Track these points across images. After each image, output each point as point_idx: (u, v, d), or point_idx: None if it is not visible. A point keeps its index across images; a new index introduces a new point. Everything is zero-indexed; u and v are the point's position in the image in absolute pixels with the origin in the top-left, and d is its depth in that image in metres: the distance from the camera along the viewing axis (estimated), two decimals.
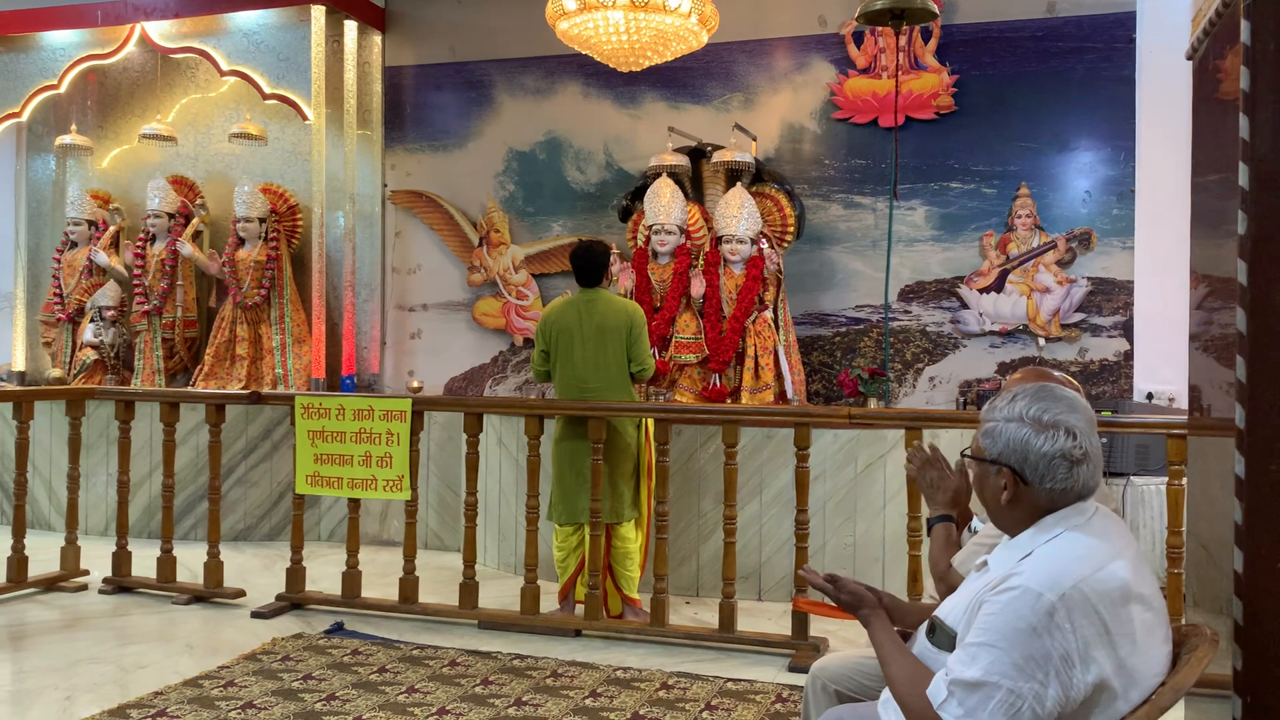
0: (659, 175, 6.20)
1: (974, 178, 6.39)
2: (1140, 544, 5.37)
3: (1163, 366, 6.02)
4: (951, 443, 5.28)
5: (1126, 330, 6.13)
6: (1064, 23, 6.22)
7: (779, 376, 6.00)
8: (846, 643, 4.45)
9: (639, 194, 6.42)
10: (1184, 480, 3.89)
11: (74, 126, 7.83)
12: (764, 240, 6.09)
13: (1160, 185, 6.00)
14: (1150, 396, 5.94)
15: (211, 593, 5.23)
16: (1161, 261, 6.00)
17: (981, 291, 6.36)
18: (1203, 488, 2.58)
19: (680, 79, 6.83)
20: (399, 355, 7.60)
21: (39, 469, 7.03)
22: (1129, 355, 6.12)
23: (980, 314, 6.36)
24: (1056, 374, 2.58)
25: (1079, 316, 6.19)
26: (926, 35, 6.41)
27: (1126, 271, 6.12)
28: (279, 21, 7.10)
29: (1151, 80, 6.02)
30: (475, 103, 7.37)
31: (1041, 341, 6.26)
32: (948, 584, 2.44)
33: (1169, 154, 5.94)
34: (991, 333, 6.35)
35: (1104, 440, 5.57)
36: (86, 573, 5.54)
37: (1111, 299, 6.16)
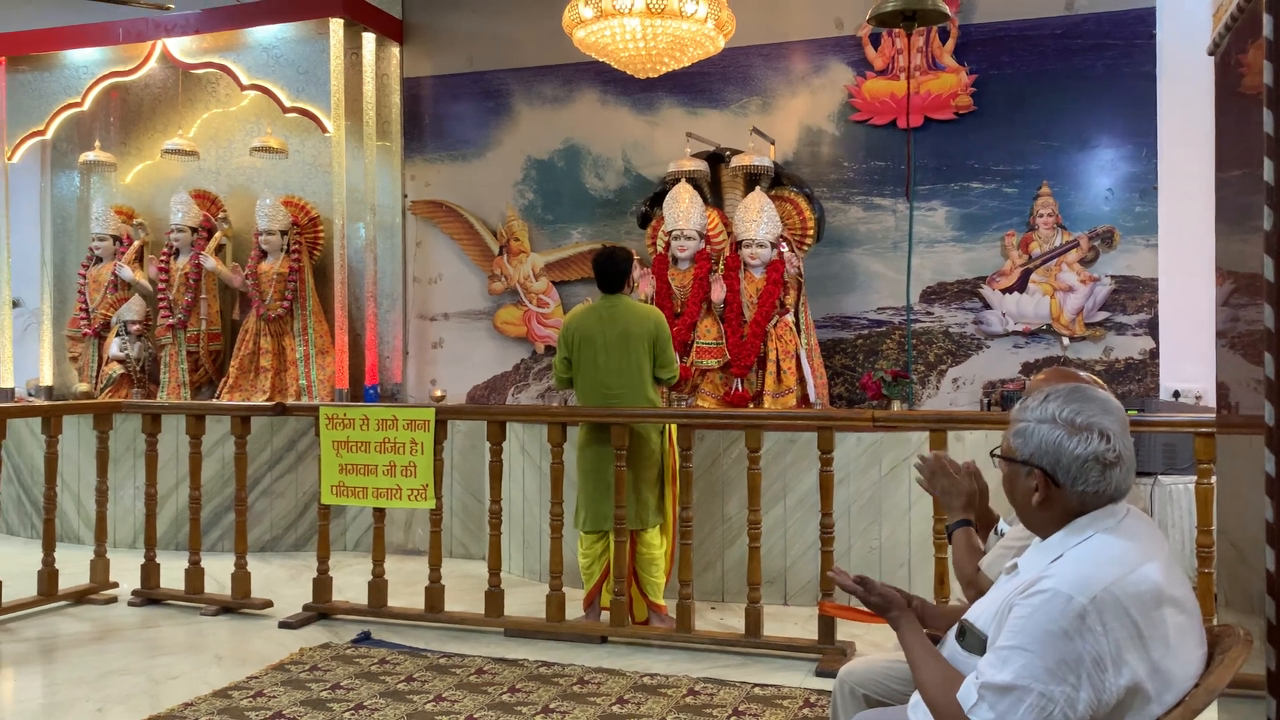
0: (678, 181, 6.20)
1: (994, 177, 6.36)
2: (1170, 544, 5.34)
3: (1189, 364, 5.96)
4: (976, 443, 5.26)
5: (1151, 328, 6.08)
6: (1083, 20, 6.18)
7: (801, 380, 5.99)
8: (873, 646, 4.42)
9: (658, 200, 6.43)
10: (1213, 479, 3.86)
11: (98, 143, 7.91)
12: (784, 244, 6.08)
13: (1183, 182, 5.95)
14: (1177, 395, 5.89)
15: (239, 603, 5.27)
16: (1186, 258, 5.95)
17: (1004, 291, 6.33)
18: (1232, 486, 2.55)
19: (697, 84, 6.83)
20: (421, 364, 7.64)
21: (68, 483, 7.09)
22: (1154, 353, 6.07)
23: (1003, 314, 6.33)
24: (1082, 374, 2.56)
25: (1103, 315, 6.15)
26: (944, 35, 6.39)
27: (1150, 269, 6.08)
28: (298, 35, 7.15)
29: (1172, 76, 5.98)
30: (493, 112, 7.40)
31: (1065, 341, 6.22)
32: (976, 588, 2.42)
33: (1191, 150, 5.89)
34: (1015, 333, 6.31)
35: (1131, 440, 5.53)
36: (116, 585, 5.59)
37: (1136, 297, 6.11)
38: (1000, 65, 6.33)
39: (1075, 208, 6.22)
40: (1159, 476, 5.44)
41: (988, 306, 6.36)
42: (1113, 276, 6.14)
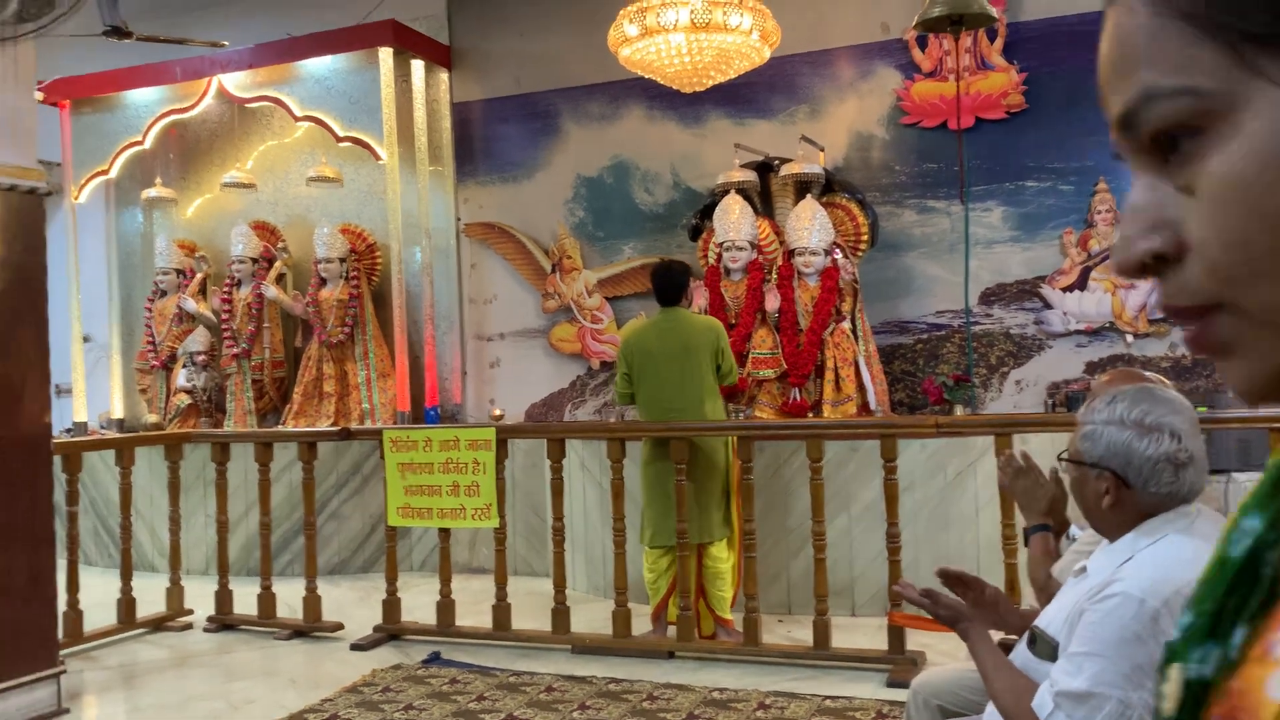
0: (727, 192, 6.20)
1: (1050, 175, 6.27)
2: None
3: None
4: (1041, 447, 5.16)
5: None
6: None
7: (861, 388, 5.95)
8: (945, 655, 4.37)
9: (708, 212, 6.43)
10: None
11: (159, 179, 8.12)
12: (838, 250, 6.05)
13: None
14: None
15: (311, 627, 5.35)
16: None
17: (1064, 290, 6.23)
18: None
19: (744, 95, 6.83)
20: (480, 384, 7.71)
21: (141, 513, 7.26)
22: None
23: (1064, 313, 6.23)
24: (1148, 374, 2.51)
25: None
26: (992, 35, 6.32)
27: None
28: (348, 66, 7.28)
29: None
30: (542, 132, 7.46)
31: (1129, 338, 6.10)
32: (1048, 594, 2.39)
33: None
34: (1077, 332, 6.21)
35: (1202, 438, 5.41)
36: (191, 612, 5.70)
37: None
38: (1051, 62, 6.25)
39: None
40: (1233, 474, 5.31)
41: (1048, 306, 6.27)
42: None
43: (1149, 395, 1.88)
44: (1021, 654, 2.01)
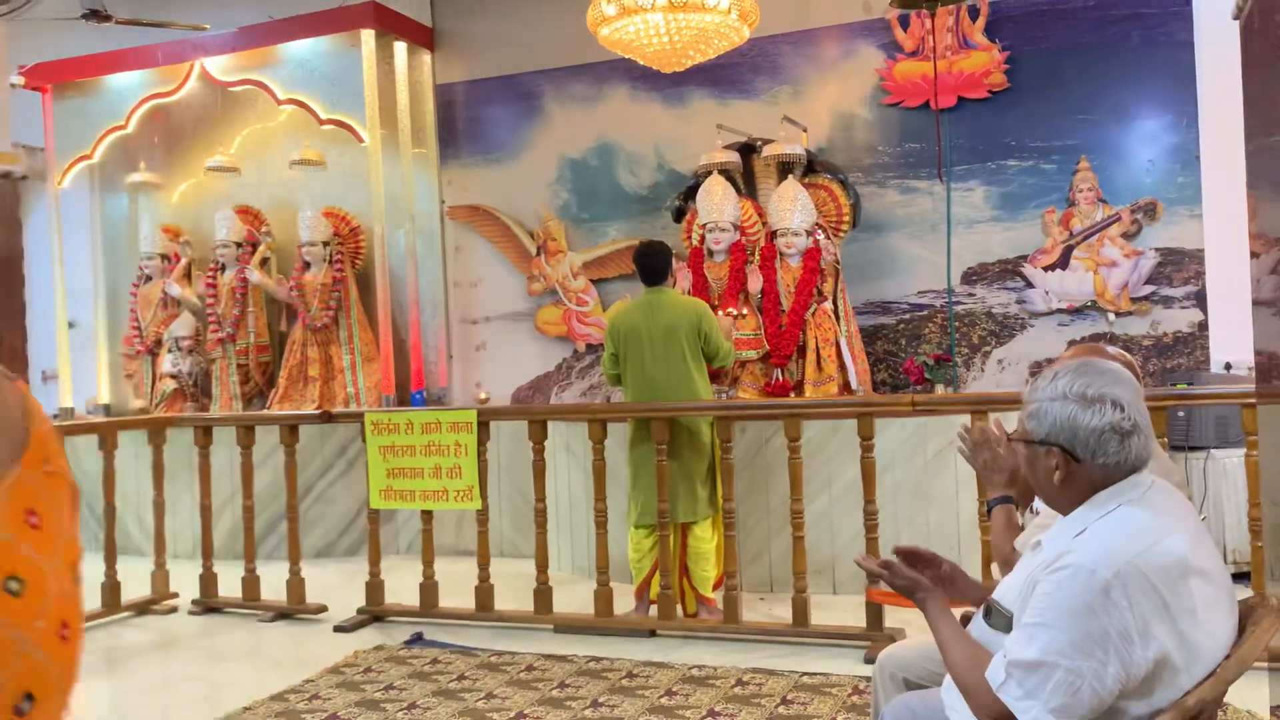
0: (710, 174, 6.20)
1: (1032, 154, 6.28)
2: (1226, 518, 5.24)
3: (1240, 335, 5.80)
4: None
5: (1200, 300, 5.97)
6: None
7: (842, 368, 5.96)
8: (923, 631, 4.39)
9: (691, 194, 6.43)
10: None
11: (143, 164, 8.09)
12: (819, 231, 6.06)
13: (1226, 150, 5.78)
14: (1229, 367, 5.77)
15: (295, 609, 5.37)
16: (1232, 227, 5.81)
17: (1046, 269, 6.25)
18: (1276, 456, 2.51)
19: (727, 76, 6.82)
20: (466, 368, 7.71)
21: (127, 498, 7.26)
22: (1204, 325, 5.96)
23: (1046, 292, 6.25)
24: (1110, 349, 2.53)
25: (1149, 289, 6.04)
26: (974, 14, 6.32)
27: (1196, 240, 5.96)
28: (330, 48, 7.25)
29: (1211, 43, 5.85)
30: (526, 114, 7.45)
31: (1111, 317, 6.12)
32: (1011, 567, 2.41)
33: (1234, 117, 5.72)
34: (1059, 310, 6.23)
35: (1181, 414, 5.44)
36: (176, 595, 5.72)
37: (1182, 269, 6.00)
38: (1033, 41, 6.24)
39: (1116, 181, 6.12)
40: (1212, 451, 5.35)
41: (1030, 285, 6.28)
42: (1157, 249, 6.04)
43: (1090, 368, 1.89)
44: (978, 626, 2.03)
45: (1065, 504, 1.93)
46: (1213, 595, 1.80)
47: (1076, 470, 1.87)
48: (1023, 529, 2.54)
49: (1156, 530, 1.79)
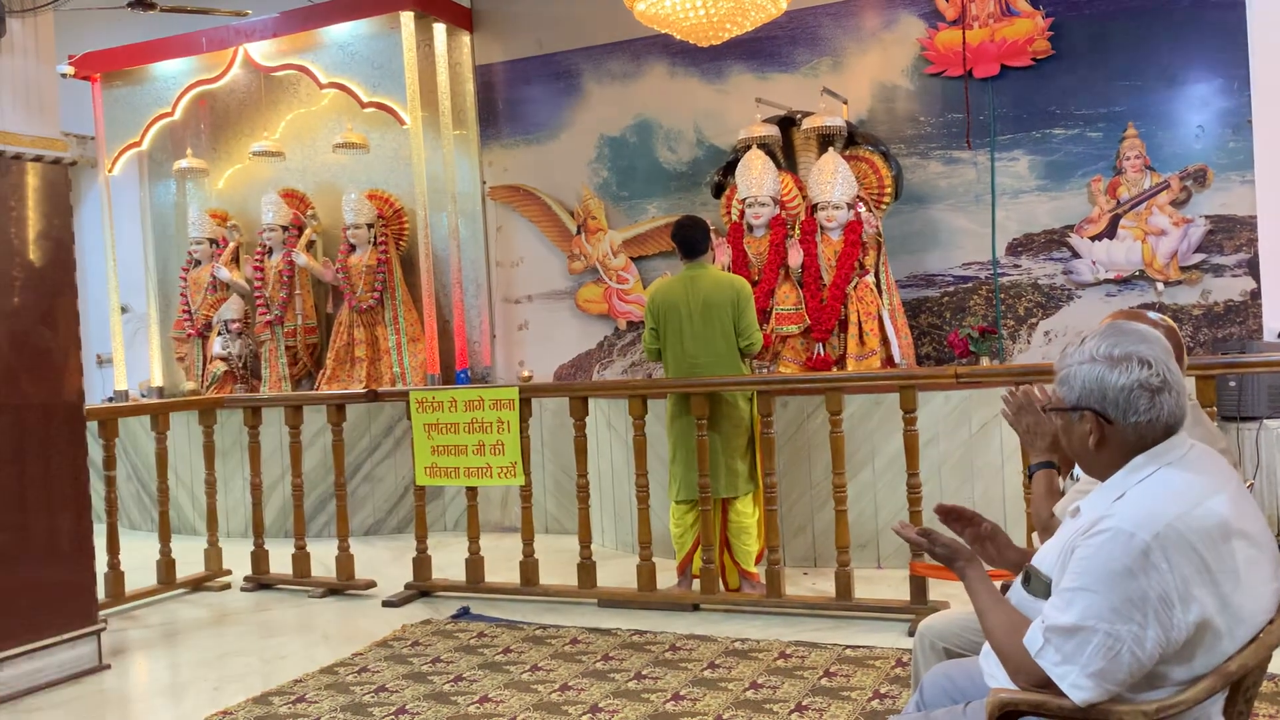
0: (749, 148, 6.17)
1: (1077, 122, 6.17)
2: (1279, 489, 5.14)
3: None
4: None
5: (1252, 268, 5.84)
6: None
7: (885, 341, 5.92)
8: (966, 603, 4.37)
9: (730, 169, 6.41)
10: None
11: (189, 150, 8.22)
12: (860, 204, 6.01)
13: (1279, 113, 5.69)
14: None
15: (344, 585, 5.46)
16: None
17: (1093, 239, 6.15)
18: None
19: (766, 49, 6.77)
20: (509, 347, 7.77)
21: (180, 477, 7.43)
22: (1256, 294, 5.84)
23: (1093, 262, 6.15)
24: (1151, 315, 2.49)
25: (1199, 257, 5.93)
26: None
27: (1248, 207, 5.83)
28: (371, 31, 7.30)
29: (1263, 3, 5.70)
30: (565, 93, 7.45)
31: (1160, 286, 6.02)
32: (1050, 532, 2.38)
33: None
34: (1107, 281, 6.13)
35: (1233, 384, 5.35)
36: (229, 572, 5.85)
37: (1233, 236, 5.88)
38: (1077, 7, 6.12)
39: (1164, 148, 6.00)
40: (1265, 421, 5.24)
41: (1077, 255, 6.19)
42: (1207, 217, 5.92)
43: (1115, 329, 1.88)
44: (1017, 592, 2.02)
45: (1103, 469, 1.91)
46: (1256, 557, 1.77)
47: (1110, 433, 1.85)
48: (1063, 494, 2.52)
49: (1197, 492, 1.77)
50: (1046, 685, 1.78)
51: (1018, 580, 2.03)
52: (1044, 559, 1.95)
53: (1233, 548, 1.74)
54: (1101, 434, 1.85)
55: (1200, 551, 1.71)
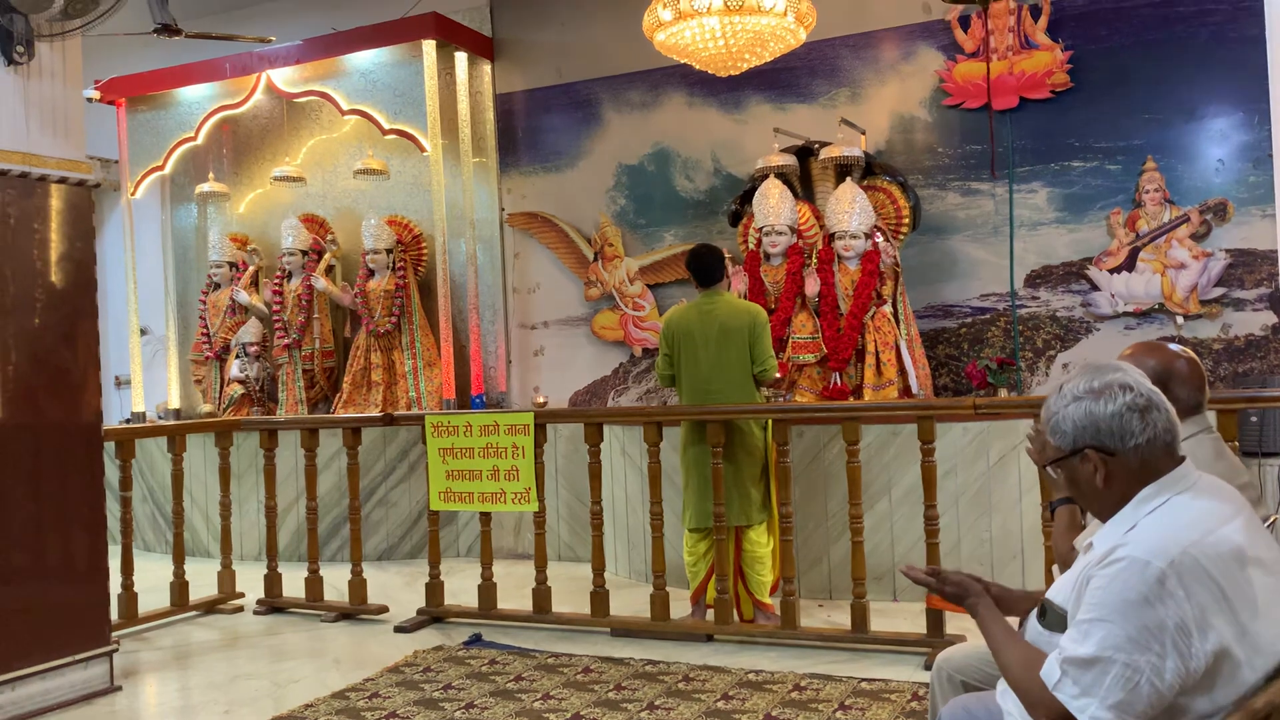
0: (766, 177, 6.18)
1: (1096, 155, 6.16)
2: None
3: None
4: None
5: (1273, 303, 5.80)
6: None
7: (902, 372, 5.90)
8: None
9: (748, 197, 6.42)
10: None
11: (211, 175, 8.29)
12: (878, 234, 6.00)
13: None
14: None
15: (356, 610, 5.45)
16: None
17: (1112, 272, 6.12)
18: None
19: (784, 79, 6.80)
20: (524, 372, 7.77)
21: (195, 499, 7.44)
22: (1277, 328, 5.79)
23: (1112, 295, 6.12)
24: (1172, 346, 2.49)
25: (1219, 291, 5.89)
26: (1036, 13, 6.22)
27: (1269, 241, 5.80)
28: (393, 59, 7.37)
29: None
30: (584, 122, 7.50)
31: (1180, 320, 5.98)
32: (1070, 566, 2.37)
33: None
34: (1126, 314, 6.10)
35: (1254, 419, 5.30)
36: (242, 595, 5.84)
37: (1254, 270, 5.84)
38: (1097, 40, 6.13)
39: (1184, 181, 5.98)
40: None
41: (1096, 288, 6.16)
42: (1227, 250, 5.89)
43: (1093, 368, 1.90)
44: (1032, 627, 1.99)
45: (1114, 507, 1.89)
46: (1273, 585, 1.75)
47: (1114, 465, 1.84)
48: (1084, 528, 2.50)
49: (1210, 519, 1.76)
50: (1065, 719, 1.75)
51: (1033, 615, 2.01)
52: (1059, 592, 1.93)
53: (1249, 575, 1.72)
54: (1107, 469, 1.85)
55: (1217, 579, 1.69)
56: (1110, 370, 1.87)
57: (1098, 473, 1.85)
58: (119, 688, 4.36)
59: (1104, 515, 1.93)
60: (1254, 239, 5.83)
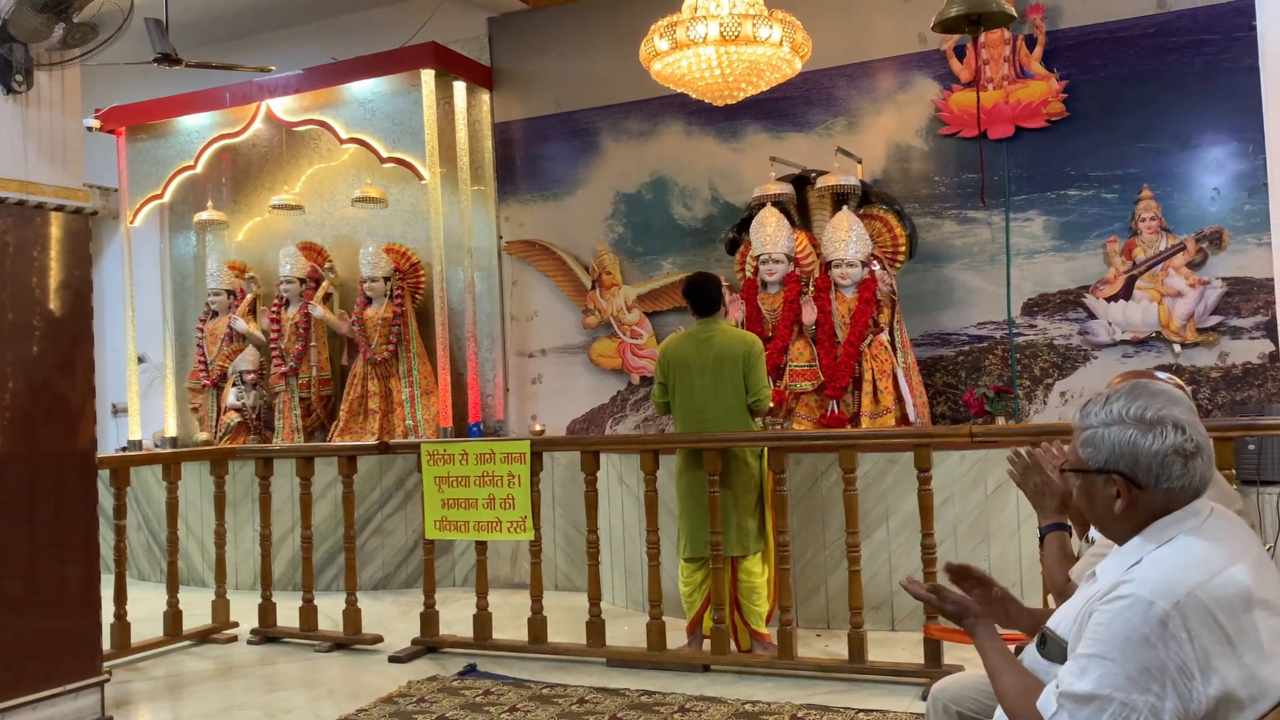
0: (763, 206, 6.20)
1: (1092, 183, 6.18)
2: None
3: None
4: None
5: (1270, 331, 5.80)
6: (1177, 17, 6.00)
7: (899, 400, 5.89)
8: (980, 667, 4.28)
9: (745, 226, 6.43)
10: None
11: (210, 203, 8.31)
12: (875, 262, 6.01)
13: None
14: None
15: (351, 639, 5.40)
16: None
17: (1109, 300, 6.13)
18: None
19: (781, 109, 6.84)
20: (522, 400, 7.76)
21: (191, 527, 7.41)
22: (1274, 356, 5.79)
23: (1109, 323, 6.12)
24: (1160, 375, 2.48)
25: (1216, 319, 5.90)
26: (1031, 43, 6.27)
27: (1265, 269, 5.81)
28: (391, 89, 7.41)
29: (1278, 67, 5.73)
30: (582, 150, 7.53)
31: (1177, 348, 5.98)
32: (1066, 598, 2.35)
33: None
34: (1123, 342, 6.10)
35: (1252, 447, 5.28)
36: (236, 624, 5.80)
37: (1250, 299, 5.85)
38: (1092, 70, 6.17)
39: (1179, 210, 6.00)
40: None
41: (1093, 316, 6.17)
42: (1224, 279, 5.90)
43: (1144, 389, 1.82)
44: (1031, 655, 1.97)
45: (1122, 533, 1.87)
46: (1278, 628, 1.72)
47: (1139, 497, 1.80)
48: (1078, 557, 2.48)
49: (1217, 560, 1.72)
50: None
51: (1032, 643, 1.99)
52: (1060, 622, 1.91)
53: (1255, 618, 1.69)
54: (1130, 498, 1.81)
55: (1221, 622, 1.66)
56: (1165, 401, 1.80)
57: (1119, 499, 1.82)
58: (110, 718, 4.31)
59: (1107, 533, 1.90)
60: (1250, 267, 5.84)
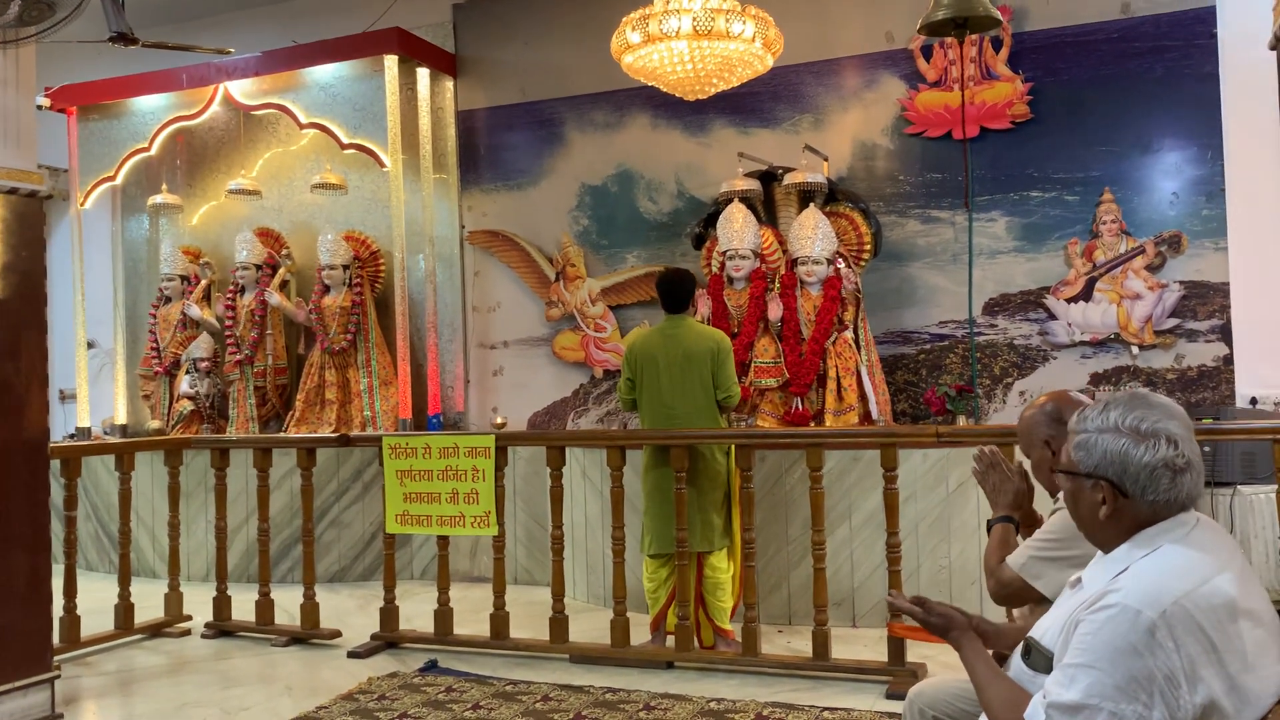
0: (730, 201, 6.19)
1: (1055, 186, 6.24)
2: (1254, 555, 5.15)
3: (1266, 369, 5.79)
4: None
5: (1224, 334, 5.90)
6: (1140, 22, 6.07)
7: (863, 397, 5.92)
8: (944, 667, 4.33)
9: (711, 221, 6.42)
10: None
11: (165, 186, 8.13)
12: (840, 260, 6.03)
13: (1252, 183, 5.80)
14: (1255, 401, 5.71)
15: (309, 634, 5.32)
16: (1258, 261, 5.80)
17: (1069, 301, 6.20)
18: None
19: (748, 104, 6.82)
20: (483, 392, 7.69)
21: (142, 518, 7.25)
22: (1229, 359, 5.89)
23: (1069, 324, 6.19)
24: (1082, 397, 2.62)
25: (1173, 322, 5.98)
26: (997, 44, 6.31)
27: (1221, 273, 5.91)
28: (354, 74, 7.29)
29: (1236, 75, 5.82)
30: (547, 141, 7.46)
31: (1135, 350, 6.06)
32: (998, 579, 2.53)
33: (1260, 150, 5.74)
34: (1082, 343, 6.18)
35: (1207, 449, 5.37)
36: (189, 618, 5.68)
37: (1207, 302, 5.94)
38: (1056, 72, 6.23)
39: (1139, 213, 6.08)
40: (1239, 487, 5.27)
41: (1053, 317, 6.23)
42: (1181, 282, 5.98)
43: (1143, 401, 1.84)
44: (1016, 665, 1.97)
45: (1107, 539, 1.87)
46: (1262, 638, 1.74)
47: (1124, 506, 1.81)
48: (1017, 546, 2.58)
49: (1204, 569, 1.73)
50: None
51: (1017, 653, 1.99)
52: (1045, 632, 1.91)
53: (1240, 628, 1.71)
54: (1115, 506, 1.82)
55: (1207, 631, 1.67)
56: (1162, 414, 1.82)
57: (1104, 505, 1.83)
58: (60, 716, 4.20)
59: (1093, 541, 1.91)
60: (1207, 271, 5.94)
